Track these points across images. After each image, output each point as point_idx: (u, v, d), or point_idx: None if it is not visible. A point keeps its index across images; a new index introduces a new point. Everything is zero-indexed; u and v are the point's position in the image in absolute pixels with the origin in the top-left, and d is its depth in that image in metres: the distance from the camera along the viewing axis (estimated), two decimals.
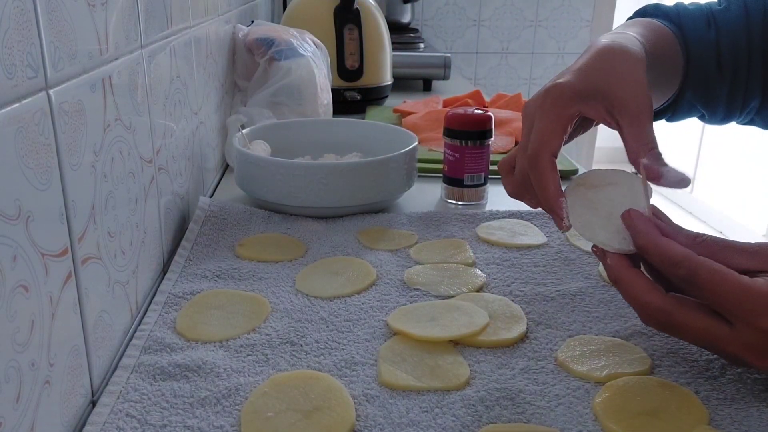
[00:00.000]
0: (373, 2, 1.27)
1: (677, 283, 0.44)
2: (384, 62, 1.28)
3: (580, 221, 0.49)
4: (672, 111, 0.73)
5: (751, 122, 0.75)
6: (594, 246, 0.49)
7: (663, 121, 0.76)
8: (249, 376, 0.46)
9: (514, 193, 0.58)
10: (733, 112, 0.73)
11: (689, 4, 0.73)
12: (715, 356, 0.49)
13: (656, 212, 0.48)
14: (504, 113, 1.09)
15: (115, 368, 0.47)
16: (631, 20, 0.71)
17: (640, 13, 0.74)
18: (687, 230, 0.46)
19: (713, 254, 0.43)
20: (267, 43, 0.98)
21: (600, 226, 0.48)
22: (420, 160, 0.88)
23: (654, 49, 0.62)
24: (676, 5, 0.73)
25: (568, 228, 0.50)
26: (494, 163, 0.89)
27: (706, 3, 0.73)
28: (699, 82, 0.70)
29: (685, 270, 0.42)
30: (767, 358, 0.41)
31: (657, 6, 0.73)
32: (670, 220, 0.48)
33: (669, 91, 0.71)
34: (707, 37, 0.69)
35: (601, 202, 0.50)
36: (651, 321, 0.45)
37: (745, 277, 0.41)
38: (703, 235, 0.45)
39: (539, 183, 0.51)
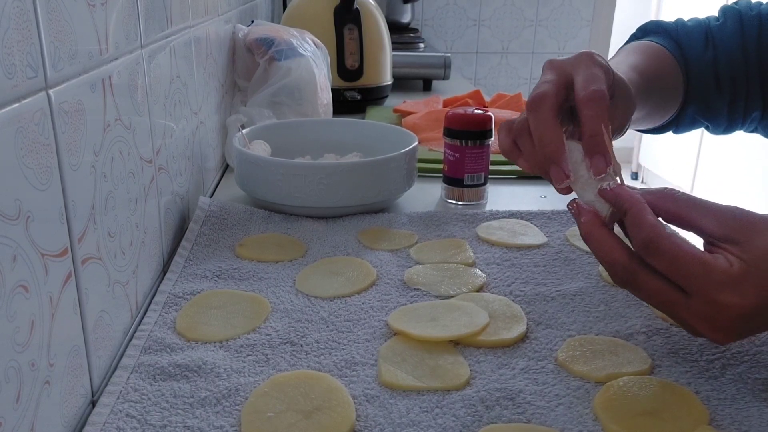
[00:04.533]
0: (373, 2, 1.27)
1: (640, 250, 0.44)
2: (384, 62, 1.28)
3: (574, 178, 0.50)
4: (676, 124, 0.76)
5: (755, 131, 0.77)
6: (570, 204, 0.49)
7: (669, 133, 0.78)
8: (249, 376, 0.46)
9: (510, 149, 0.57)
10: (735, 124, 0.75)
11: (688, 21, 0.75)
12: (715, 356, 0.49)
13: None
14: (504, 113, 1.09)
15: (115, 368, 0.47)
16: (630, 45, 0.74)
17: (642, 29, 0.76)
18: (658, 188, 0.47)
19: (681, 210, 0.44)
20: (267, 43, 0.98)
21: (583, 188, 0.49)
22: (420, 160, 0.88)
23: (653, 73, 0.66)
24: (676, 22, 0.75)
25: (570, 178, 0.50)
26: (494, 162, 0.89)
27: (705, 18, 0.74)
28: (699, 98, 0.74)
29: (645, 236, 0.42)
30: (720, 332, 0.42)
31: (658, 23, 0.75)
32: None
33: (672, 108, 0.73)
34: (705, 57, 0.72)
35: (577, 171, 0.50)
36: (617, 278, 0.45)
37: (705, 253, 0.42)
38: (674, 190, 0.46)
39: (586, 125, 0.49)
